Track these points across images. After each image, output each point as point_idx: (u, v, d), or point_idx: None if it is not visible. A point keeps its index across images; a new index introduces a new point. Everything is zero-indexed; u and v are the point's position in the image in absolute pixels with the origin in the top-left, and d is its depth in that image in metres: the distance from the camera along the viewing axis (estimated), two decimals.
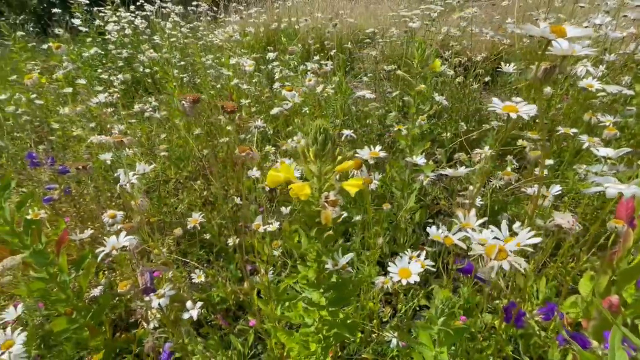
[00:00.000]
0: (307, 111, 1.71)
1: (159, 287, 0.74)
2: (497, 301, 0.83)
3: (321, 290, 0.63)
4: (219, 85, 2.24)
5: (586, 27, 1.25)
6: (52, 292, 0.95)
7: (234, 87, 2.06)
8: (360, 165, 0.74)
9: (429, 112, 1.14)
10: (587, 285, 0.92)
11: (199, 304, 0.78)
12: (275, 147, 1.49)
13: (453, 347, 0.66)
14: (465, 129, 1.71)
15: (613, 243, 0.71)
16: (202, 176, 1.76)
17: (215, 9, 3.97)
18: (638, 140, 1.41)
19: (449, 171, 0.86)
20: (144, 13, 3.16)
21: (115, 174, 1.28)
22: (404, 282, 0.70)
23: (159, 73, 2.28)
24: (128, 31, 2.82)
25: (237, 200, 1.36)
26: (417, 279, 0.70)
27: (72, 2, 2.59)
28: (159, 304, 0.71)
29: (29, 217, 0.97)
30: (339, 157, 0.49)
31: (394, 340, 0.87)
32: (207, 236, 1.38)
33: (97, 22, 2.85)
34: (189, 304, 0.76)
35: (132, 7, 3.21)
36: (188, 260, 1.34)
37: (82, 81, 1.85)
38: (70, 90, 1.76)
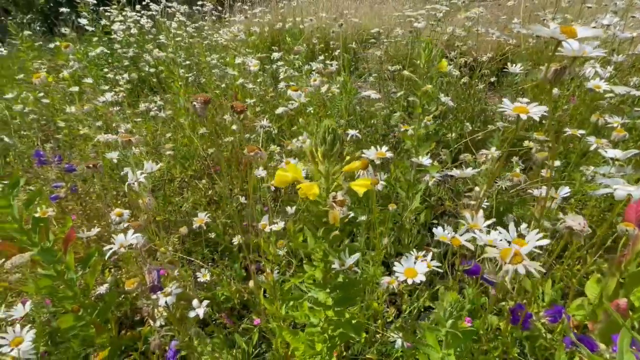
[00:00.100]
0: (312, 111, 1.71)
1: (166, 285, 0.74)
2: (503, 303, 0.83)
3: (327, 290, 0.63)
4: (223, 85, 2.24)
5: (594, 27, 1.24)
6: (59, 289, 0.96)
7: (239, 86, 2.06)
8: (367, 165, 0.74)
9: (434, 112, 1.13)
10: (593, 288, 0.91)
11: (205, 302, 0.78)
12: (280, 146, 1.49)
13: (458, 349, 0.66)
14: (470, 130, 1.70)
15: (623, 246, 0.70)
16: (206, 175, 1.77)
17: (220, 8, 3.99)
18: None
19: (456, 172, 0.85)
20: (150, 12, 3.17)
21: (122, 173, 1.30)
22: (409, 281, 0.70)
23: (164, 72, 2.29)
24: (134, 30, 2.84)
25: (242, 199, 1.37)
26: (423, 278, 0.70)
27: (78, 1, 2.61)
28: (165, 302, 0.71)
29: (37, 215, 0.98)
30: (347, 158, 0.49)
31: (399, 341, 0.87)
32: (212, 235, 1.38)
33: (103, 21, 2.86)
34: (195, 302, 0.77)
35: (137, 7, 3.22)
36: (192, 259, 1.35)
37: (89, 80, 1.86)
38: (77, 89, 1.77)
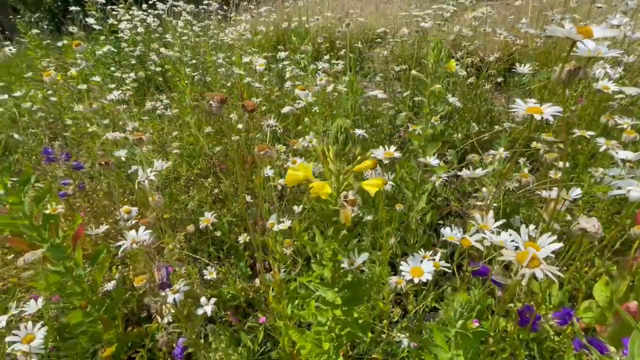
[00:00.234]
0: (317, 110, 1.71)
1: (174, 282, 0.75)
2: (511, 305, 0.83)
3: (336, 289, 0.63)
4: (229, 84, 2.25)
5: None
6: (67, 285, 0.97)
7: (245, 85, 2.07)
8: (376, 165, 0.74)
9: (442, 112, 1.13)
10: (601, 291, 0.90)
11: (213, 300, 0.79)
12: (285, 145, 1.49)
13: (469, 350, 0.65)
14: (476, 130, 1.69)
15: (636, 249, 0.69)
16: (212, 174, 1.77)
17: (225, 7, 4.00)
18: None
19: (466, 172, 0.85)
20: (156, 12, 3.19)
21: (129, 171, 1.31)
22: (415, 280, 0.70)
23: (170, 71, 2.30)
24: (140, 29, 2.86)
25: (248, 198, 1.37)
26: (430, 277, 0.70)
27: (86, 0, 2.63)
28: (174, 299, 0.71)
29: (47, 211, 0.99)
30: (359, 157, 0.49)
31: (405, 341, 0.87)
32: (218, 233, 1.39)
33: (110, 20, 2.88)
34: (203, 300, 0.77)
35: (144, 6, 3.24)
36: (198, 257, 1.35)
37: (97, 78, 1.87)
38: (85, 86, 1.79)
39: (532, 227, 0.85)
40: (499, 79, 2.14)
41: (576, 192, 0.75)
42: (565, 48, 2.06)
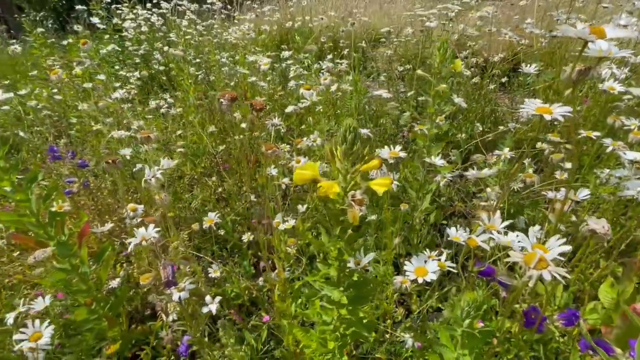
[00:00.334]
0: (321, 110, 1.71)
1: (179, 281, 0.75)
2: (516, 305, 0.82)
3: (341, 288, 0.63)
4: (232, 83, 2.25)
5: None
6: (73, 282, 0.97)
7: (248, 84, 2.07)
8: (381, 165, 0.74)
9: (447, 112, 1.13)
10: (607, 292, 0.90)
11: (218, 298, 0.79)
12: (289, 144, 1.50)
13: (475, 350, 0.65)
14: (480, 130, 1.69)
15: None
16: (216, 173, 1.78)
17: (229, 7, 4.00)
18: None
19: (472, 173, 0.85)
20: (160, 11, 3.20)
21: (134, 169, 1.31)
22: (420, 280, 0.70)
23: (174, 70, 2.31)
24: (144, 28, 2.86)
25: (252, 197, 1.37)
26: (434, 277, 0.70)
27: None
28: (179, 297, 0.72)
29: (53, 209, 0.99)
30: (367, 157, 0.49)
31: (409, 341, 0.87)
32: (221, 232, 1.39)
33: (115, 19, 2.89)
34: (207, 298, 0.77)
35: (148, 5, 3.25)
36: (202, 256, 1.36)
37: (101, 77, 1.88)
38: (90, 85, 1.80)
39: (537, 228, 0.85)
40: (503, 79, 2.13)
41: (584, 193, 0.75)
42: (570, 48, 2.04)
